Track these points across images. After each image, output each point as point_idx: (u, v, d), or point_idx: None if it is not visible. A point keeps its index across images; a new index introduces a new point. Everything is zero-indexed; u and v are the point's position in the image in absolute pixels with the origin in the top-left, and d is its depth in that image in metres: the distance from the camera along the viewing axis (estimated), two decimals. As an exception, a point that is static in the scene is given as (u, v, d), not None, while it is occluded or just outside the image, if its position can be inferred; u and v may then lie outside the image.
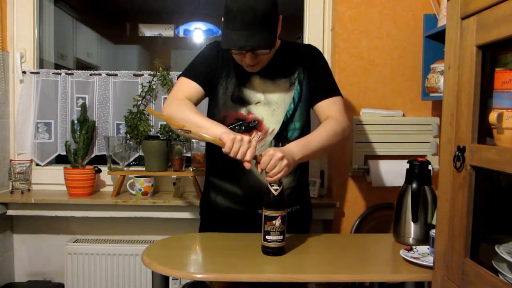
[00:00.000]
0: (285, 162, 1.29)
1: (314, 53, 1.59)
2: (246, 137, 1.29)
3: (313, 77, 1.55)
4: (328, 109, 1.53)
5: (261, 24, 1.34)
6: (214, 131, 1.33)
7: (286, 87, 1.54)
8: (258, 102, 1.53)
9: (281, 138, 1.52)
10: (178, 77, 1.58)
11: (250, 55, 1.41)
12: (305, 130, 1.56)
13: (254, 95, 1.53)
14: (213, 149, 1.60)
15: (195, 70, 1.56)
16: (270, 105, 1.53)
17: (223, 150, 1.29)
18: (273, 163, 1.27)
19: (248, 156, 1.27)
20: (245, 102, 1.53)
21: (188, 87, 1.52)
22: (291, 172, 1.53)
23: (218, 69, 1.55)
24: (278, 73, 1.54)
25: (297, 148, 1.37)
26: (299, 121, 1.54)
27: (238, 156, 1.27)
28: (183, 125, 1.35)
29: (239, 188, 1.56)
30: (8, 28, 2.20)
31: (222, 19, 1.40)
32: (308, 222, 1.71)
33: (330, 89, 1.56)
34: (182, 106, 1.45)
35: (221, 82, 1.55)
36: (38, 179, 2.24)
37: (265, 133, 1.52)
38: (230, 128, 1.48)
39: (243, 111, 1.53)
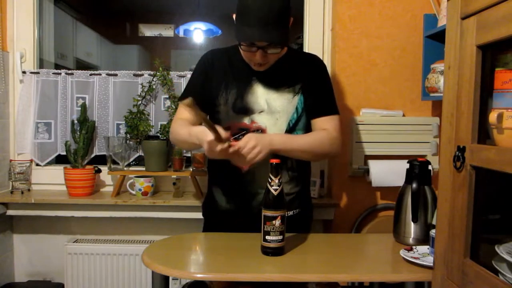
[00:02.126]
0: (256, 150, 1.34)
1: (319, 67, 1.59)
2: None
3: (315, 91, 1.55)
4: (323, 125, 1.54)
5: (276, 21, 1.35)
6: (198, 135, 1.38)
7: (289, 97, 1.53)
8: (261, 111, 1.52)
9: None
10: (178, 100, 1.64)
11: (260, 53, 1.41)
12: None
13: (257, 104, 1.52)
14: None
15: (189, 94, 1.57)
16: (273, 114, 1.52)
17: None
18: (246, 150, 1.33)
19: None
20: (248, 111, 1.53)
21: (185, 112, 1.54)
22: (293, 178, 1.55)
23: (215, 81, 1.55)
24: (282, 82, 1.53)
25: (278, 139, 1.42)
26: (302, 130, 1.55)
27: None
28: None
29: (242, 194, 1.56)
30: (8, 28, 2.19)
31: (234, 16, 1.41)
32: (308, 225, 1.71)
33: (329, 106, 1.57)
34: (177, 126, 1.53)
35: (220, 93, 1.54)
36: (38, 179, 2.24)
37: None
38: (234, 138, 1.50)
39: (246, 120, 1.53)
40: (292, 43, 2.47)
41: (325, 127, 1.53)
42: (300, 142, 1.47)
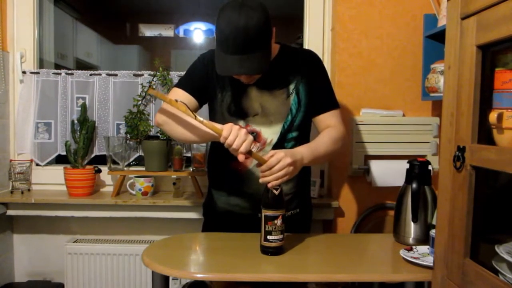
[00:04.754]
0: (291, 169, 1.29)
1: (314, 62, 1.57)
2: (244, 130, 1.29)
3: (313, 88, 1.53)
4: (327, 120, 1.53)
5: (254, 45, 1.31)
6: (214, 124, 1.34)
7: (283, 98, 1.52)
8: (255, 114, 1.52)
9: (279, 148, 1.50)
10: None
11: (244, 76, 1.41)
12: (304, 139, 1.55)
13: (251, 108, 1.52)
14: (216, 152, 1.61)
15: (187, 81, 1.55)
16: (267, 117, 1.52)
17: (220, 139, 1.29)
18: (280, 166, 1.27)
19: (242, 148, 1.27)
20: (243, 115, 1.52)
21: (180, 96, 1.50)
22: (292, 178, 1.54)
23: (213, 82, 1.54)
24: (275, 84, 1.52)
25: (307, 151, 1.38)
26: (297, 131, 1.54)
27: (234, 146, 1.27)
28: (186, 109, 1.34)
29: (240, 195, 1.56)
30: (8, 28, 2.20)
31: (215, 37, 1.37)
32: (308, 225, 1.71)
33: (329, 102, 1.55)
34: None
35: (217, 94, 1.54)
36: (38, 179, 2.24)
37: (263, 144, 1.51)
38: None
39: (241, 123, 1.52)
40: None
41: (330, 123, 1.52)
42: (322, 149, 1.43)
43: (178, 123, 1.45)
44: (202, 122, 1.33)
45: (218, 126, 1.32)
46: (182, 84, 1.55)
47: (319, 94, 1.54)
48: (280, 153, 1.29)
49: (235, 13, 1.29)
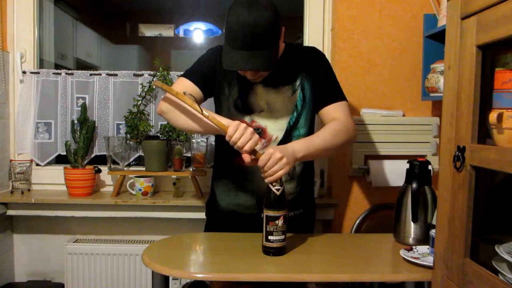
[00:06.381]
0: (284, 161, 1.28)
1: (317, 57, 1.57)
2: (250, 128, 1.29)
3: (317, 82, 1.53)
4: (332, 113, 1.50)
5: (262, 43, 1.32)
6: (221, 120, 1.35)
7: (289, 95, 1.52)
8: (261, 111, 1.52)
9: None
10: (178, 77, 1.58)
11: (250, 72, 1.42)
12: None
13: (257, 104, 1.52)
14: (221, 151, 1.61)
15: (195, 72, 1.54)
16: (273, 113, 1.51)
17: (226, 137, 1.30)
18: (271, 162, 1.27)
19: (246, 147, 1.28)
20: (248, 111, 1.52)
21: (186, 86, 1.49)
22: (295, 177, 1.54)
23: (221, 76, 1.53)
24: (281, 81, 1.52)
25: (299, 146, 1.37)
26: (303, 128, 1.53)
27: (238, 144, 1.28)
28: (192, 102, 1.35)
29: (243, 193, 1.56)
30: (8, 28, 2.19)
31: (224, 31, 1.38)
32: (311, 225, 1.71)
33: (335, 94, 1.54)
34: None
35: (224, 89, 1.53)
36: (38, 179, 2.24)
37: (268, 141, 1.51)
38: None
39: (246, 119, 1.52)
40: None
41: (334, 115, 1.49)
42: (319, 142, 1.41)
43: (183, 112, 1.44)
44: (207, 116, 1.33)
45: (224, 122, 1.33)
46: (190, 74, 1.53)
47: (322, 87, 1.54)
48: (269, 149, 1.30)
49: (245, 10, 1.30)
